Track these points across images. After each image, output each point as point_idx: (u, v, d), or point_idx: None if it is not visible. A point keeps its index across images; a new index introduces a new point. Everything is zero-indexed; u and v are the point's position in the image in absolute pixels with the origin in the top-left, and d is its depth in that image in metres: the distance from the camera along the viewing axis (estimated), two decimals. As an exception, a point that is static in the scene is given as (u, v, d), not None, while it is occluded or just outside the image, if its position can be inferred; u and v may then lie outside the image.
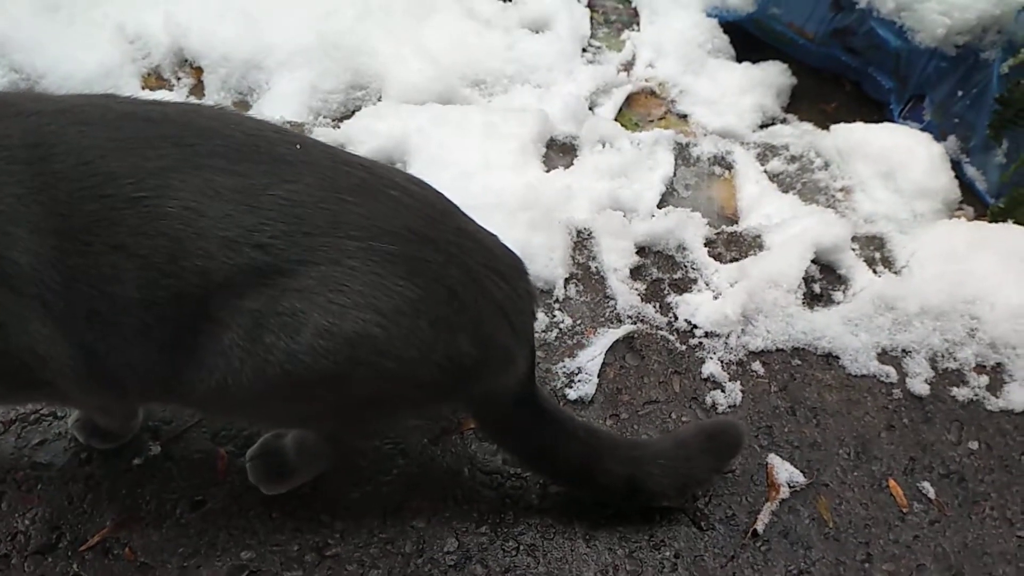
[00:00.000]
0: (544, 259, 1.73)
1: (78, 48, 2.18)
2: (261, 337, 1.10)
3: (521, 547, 1.43)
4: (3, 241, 1.04)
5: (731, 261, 1.83)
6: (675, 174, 2.05)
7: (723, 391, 1.63)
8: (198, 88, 2.22)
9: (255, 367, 1.12)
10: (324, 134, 2.04)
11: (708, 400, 1.62)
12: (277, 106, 2.17)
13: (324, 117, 2.17)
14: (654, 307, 1.75)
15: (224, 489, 1.44)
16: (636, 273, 1.79)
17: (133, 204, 1.06)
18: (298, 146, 1.15)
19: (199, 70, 2.25)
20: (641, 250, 1.82)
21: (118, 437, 1.45)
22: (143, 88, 2.19)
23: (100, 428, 1.43)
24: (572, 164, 2.05)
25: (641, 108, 2.37)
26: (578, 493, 1.47)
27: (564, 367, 1.63)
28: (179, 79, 2.25)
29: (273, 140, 1.15)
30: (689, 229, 1.83)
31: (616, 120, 2.26)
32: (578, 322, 1.71)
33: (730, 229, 1.91)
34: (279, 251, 1.09)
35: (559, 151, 2.08)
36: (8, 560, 1.35)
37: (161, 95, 2.14)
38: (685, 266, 1.82)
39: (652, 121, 2.35)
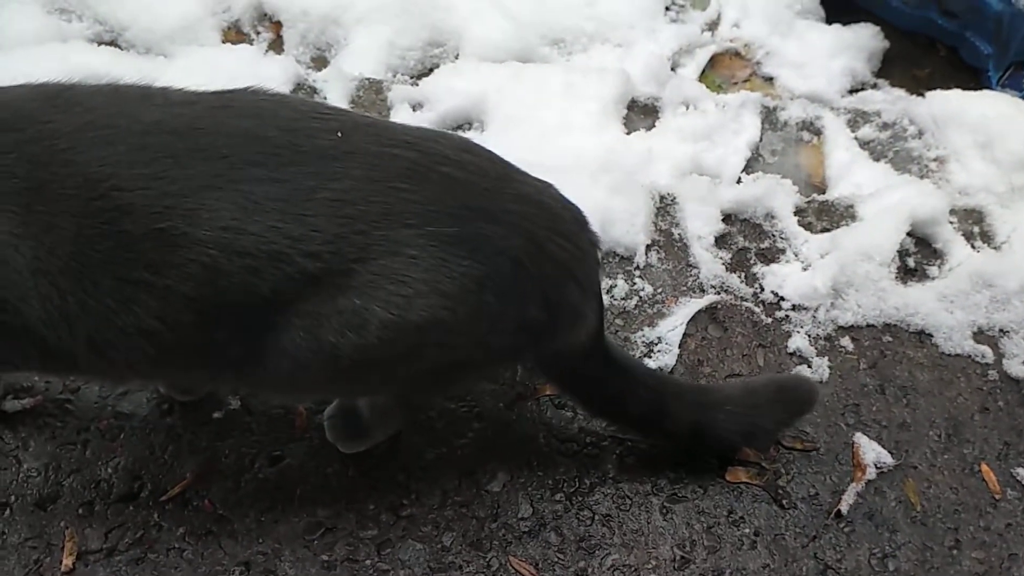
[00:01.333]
0: (625, 224, 1.68)
1: (160, 1, 2.17)
2: (324, 336, 1.09)
3: (596, 517, 1.41)
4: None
5: (822, 231, 1.76)
6: (761, 139, 1.97)
7: (809, 366, 1.58)
8: (277, 43, 2.21)
9: (322, 363, 1.11)
10: (402, 92, 2.01)
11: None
12: (355, 62, 2.14)
13: (402, 74, 2.13)
14: (739, 277, 1.69)
15: (302, 446, 1.44)
16: (721, 241, 1.74)
17: (156, 236, 1.02)
18: (340, 134, 1.10)
19: (278, 24, 2.23)
20: (727, 217, 1.76)
21: (197, 391, 1.46)
22: (223, 41, 2.18)
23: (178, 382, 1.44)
24: (654, 126, 1.99)
25: (725, 70, 2.29)
26: (643, 440, 1.45)
27: (643, 336, 1.60)
28: (258, 33, 2.23)
29: (313, 131, 1.10)
30: (778, 197, 1.76)
31: (699, 81, 2.18)
32: (659, 290, 1.66)
33: (821, 198, 1.84)
34: (332, 255, 1.06)
35: (640, 112, 2.03)
36: (92, 507, 1.38)
37: (241, 49, 2.12)
38: (773, 235, 1.75)
39: (736, 83, 2.26)
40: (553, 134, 1.88)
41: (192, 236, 1.02)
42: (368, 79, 2.07)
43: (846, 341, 1.62)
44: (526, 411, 1.51)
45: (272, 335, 1.08)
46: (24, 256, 1.00)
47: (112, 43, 2.11)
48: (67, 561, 1.32)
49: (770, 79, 2.24)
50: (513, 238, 1.14)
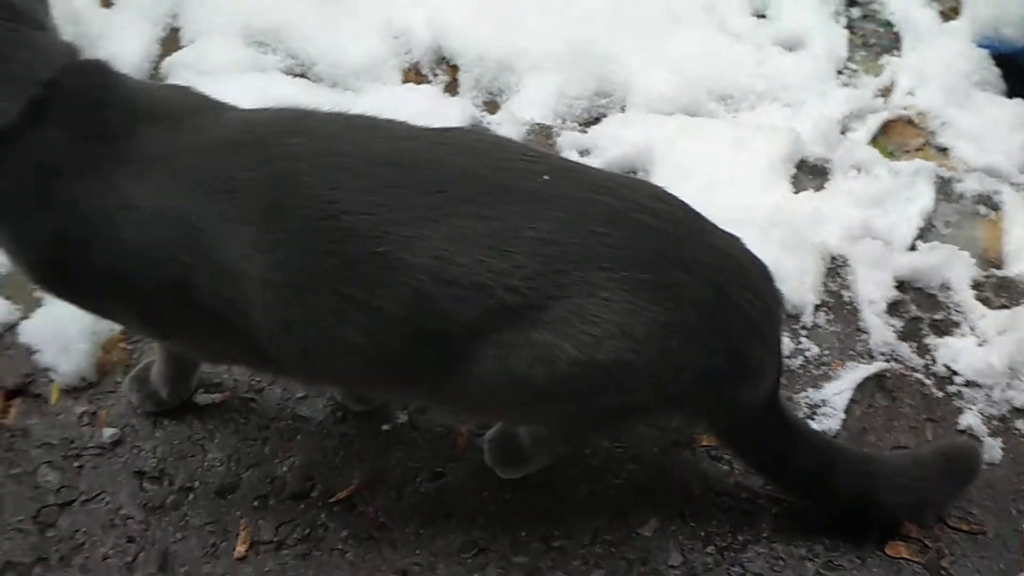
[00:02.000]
0: (794, 282, 1.69)
1: (348, 39, 2.31)
2: (515, 366, 1.13)
3: (748, 574, 1.40)
4: (218, 285, 1.11)
5: (1000, 307, 1.72)
6: (935, 209, 1.93)
7: (981, 446, 1.53)
8: (452, 85, 2.31)
9: (509, 392, 1.16)
10: (571, 139, 2.07)
11: (963, 453, 1.53)
12: (525, 108, 2.22)
13: (569, 121, 2.20)
14: (911, 347, 1.67)
15: (463, 465, 1.50)
16: (893, 308, 1.72)
17: (373, 259, 1.09)
18: (546, 177, 1.15)
19: (455, 68, 2.33)
20: (900, 284, 1.74)
21: (371, 402, 1.54)
22: (403, 81, 2.30)
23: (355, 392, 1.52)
24: (823, 187, 1.99)
25: (897, 137, 2.26)
26: (809, 503, 1.44)
27: (807, 397, 1.59)
28: (436, 76, 2.33)
29: (522, 173, 1.15)
30: (955, 268, 1.73)
31: (871, 147, 2.17)
32: (826, 352, 1.65)
33: (1000, 273, 1.80)
34: (532, 290, 1.11)
35: (809, 173, 2.03)
36: (266, 501, 1.46)
37: (422, 89, 2.24)
38: (948, 307, 1.72)
39: (908, 152, 2.23)
40: (721, 188, 1.90)
41: (406, 262, 1.09)
42: (538, 124, 2.14)
43: (1021, 423, 1.57)
44: (682, 459, 1.52)
45: (466, 361, 1.14)
46: (257, 266, 1.10)
47: (303, 75, 2.26)
48: (240, 548, 1.41)
49: (944, 150, 2.20)
50: (702, 288, 1.17)
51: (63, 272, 1.18)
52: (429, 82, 2.31)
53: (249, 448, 1.51)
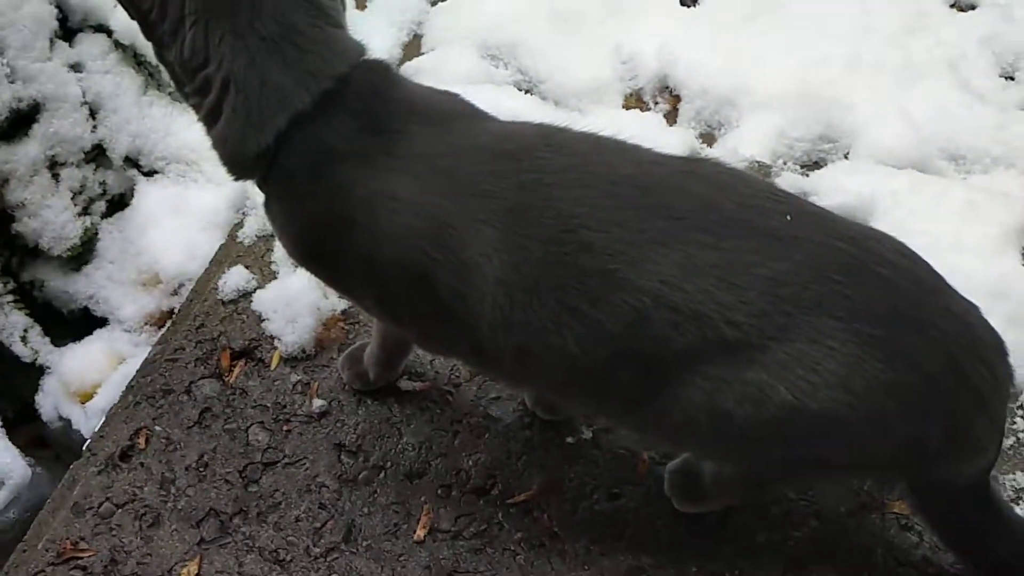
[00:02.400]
0: (1016, 359, 1.56)
1: (576, 60, 2.38)
2: (722, 402, 1.13)
3: (924, 651, 1.34)
4: (457, 280, 1.17)
5: None
6: None
7: None
8: (672, 114, 2.33)
9: (711, 426, 1.16)
10: (791, 180, 2.05)
11: None
12: (742, 144, 2.21)
13: (789, 163, 2.17)
14: None
15: (640, 490, 1.51)
16: (1122, 400, 1.59)
17: (602, 275, 1.12)
18: (789, 217, 1.15)
19: (677, 98, 2.35)
20: None
21: (559, 412, 1.58)
22: (623, 107, 2.34)
23: (547, 401, 1.57)
24: (1057, 264, 1.87)
25: None
26: None
27: (1015, 480, 1.50)
28: (656, 104, 2.37)
29: (766, 211, 1.15)
30: None
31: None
32: (1041, 436, 1.56)
33: None
34: (753, 328, 1.10)
35: (1043, 247, 1.91)
36: (449, 491, 1.54)
37: (645, 116, 2.27)
38: None
39: None
40: (943, 251, 1.80)
41: (633, 282, 1.12)
42: (757, 162, 2.13)
43: None
44: (868, 523, 1.47)
45: (672, 387, 1.16)
46: (494, 266, 1.16)
47: (530, 91, 2.34)
48: (420, 532, 1.49)
49: None
50: (935, 354, 1.13)
51: (322, 249, 1.28)
52: (650, 109, 2.35)
53: (441, 438, 1.59)
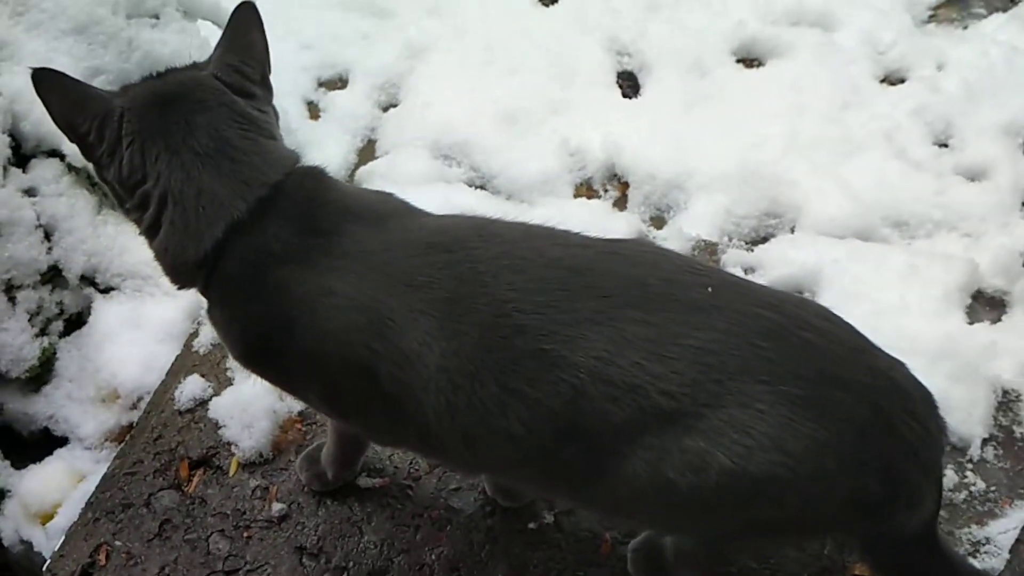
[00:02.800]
0: (962, 414, 1.62)
1: (526, 156, 2.45)
2: (664, 471, 1.15)
3: None
4: (398, 370, 1.20)
5: None
6: None
7: None
8: (621, 200, 2.39)
9: (656, 497, 1.17)
10: (736, 256, 2.10)
11: None
12: (691, 224, 2.27)
13: (736, 240, 2.23)
14: (1088, 491, 1.56)
15: (604, 571, 1.51)
16: (1071, 448, 1.62)
17: (538, 356, 1.16)
18: (710, 289, 1.19)
19: (625, 185, 2.42)
20: (1080, 425, 1.64)
21: (520, 499, 1.58)
22: (575, 196, 2.41)
23: (506, 488, 1.57)
24: (1000, 320, 1.92)
25: (1088, 274, 2.14)
26: None
27: (970, 534, 1.51)
28: (606, 191, 2.43)
29: (687, 284, 1.19)
30: None
31: (1056, 282, 2.06)
32: (992, 488, 1.57)
33: None
34: (686, 396, 1.13)
35: (986, 304, 1.96)
36: (413, 587, 1.52)
37: (592, 204, 2.33)
38: None
39: (1100, 289, 2.11)
40: (889, 314, 1.87)
41: (569, 360, 1.15)
42: (704, 240, 2.18)
43: None
44: (831, 587, 1.47)
45: (615, 461, 1.17)
46: (434, 353, 1.19)
47: (483, 187, 2.41)
48: (385, 631, 1.47)
49: None
50: (862, 408, 1.15)
51: (265, 349, 1.31)
52: (600, 197, 2.41)
53: (402, 534, 1.58)
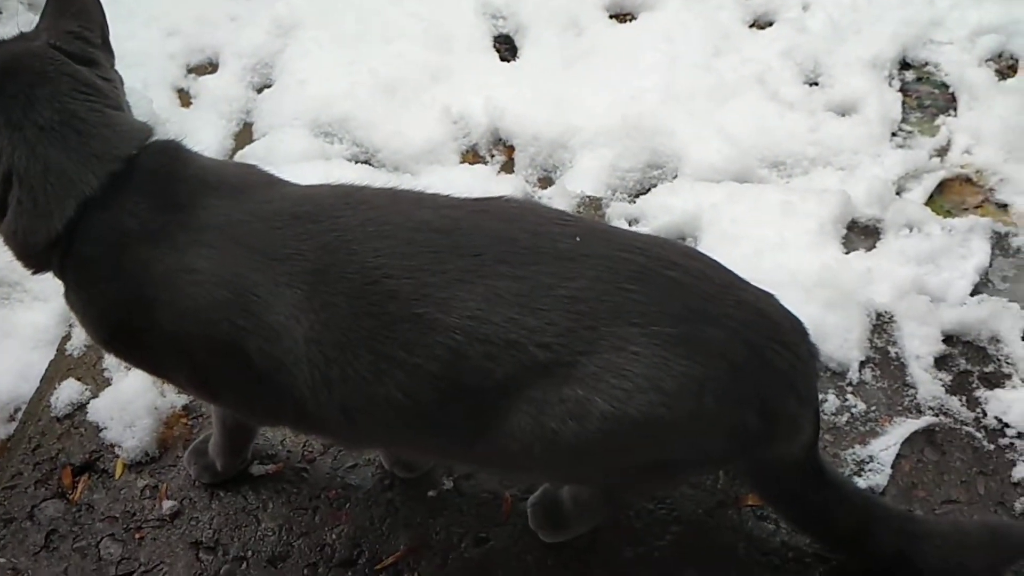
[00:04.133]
0: (839, 340, 1.67)
1: (409, 126, 2.42)
2: (547, 422, 1.16)
3: (796, 635, 1.36)
4: (269, 346, 1.18)
5: (1053, 358, 1.66)
6: (991, 264, 1.90)
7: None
8: (508, 164, 2.38)
9: (543, 448, 1.18)
10: (620, 209, 2.12)
11: (1018, 506, 1.48)
12: (578, 182, 2.28)
13: (621, 193, 2.24)
14: (960, 400, 1.63)
15: (506, 530, 1.51)
16: (941, 363, 1.69)
17: (412, 320, 1.15)
18: (578, 239, 1.20)
19: (511, 148, 2.41)
20: (948, 339, 1.71)
21: (417, 469, 1.57)
22: (461, 163, 2.39)
23: (403, 459, 1.56)
24: (874, 247, 1.98)
25: (955, 195, 2.23)
26: (847, 560, 1.40)
27: (854, 454, 1.56)
28: (493, 156, 2.41)
29: (555, 236, 1.20)
30: (1005, 320, 1.69)
31: (926, 207, 2.14)
32: (872, 408, 1.62)
33: (1056, 323, 1.74)
34: (562, 347, 1.14)
35: (860, 233, 2.02)
36: (315, 568, 1.50)
37: (477, 169, 2.32)
38: (999, 359, 1.68)
39: (967, 209, 2.19)
40: (769, 251, 1.91)
41: (443, 322, 1.14)
42: (589, 196, 2.19)
43: (1081, 476, 1.50)
44: (726, 519, 1.50)
45: (499, 418, 1.17)
46: (303, 326, 1.16)
47: (367, 162, 2.37)
48: (290, 616, 1.45)
49: (1004, 206, 2.16)
50: (733, 342, 1.17)
51: (127, 330, 1.26)
52: (486, 162, 2.39)
53: (300, 517, 1.56)
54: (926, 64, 2.51)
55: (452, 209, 1.25)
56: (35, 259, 1.26)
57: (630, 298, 1.16)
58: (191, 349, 1.23)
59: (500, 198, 1.31)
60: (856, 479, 1.52)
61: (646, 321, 1.15)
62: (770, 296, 1.27)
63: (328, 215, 1.22)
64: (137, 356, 1.34)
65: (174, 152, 1.28)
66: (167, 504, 1.58)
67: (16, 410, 1.82)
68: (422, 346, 1.15)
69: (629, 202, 2.17)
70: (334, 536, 1.53)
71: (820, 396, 1.62)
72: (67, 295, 1.29)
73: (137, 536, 1.56)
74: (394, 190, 1.31)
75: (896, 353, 1.70)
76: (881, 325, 1.75)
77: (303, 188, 1.31)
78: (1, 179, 1.19)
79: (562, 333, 1.14)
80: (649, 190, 2.24)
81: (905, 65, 2.51)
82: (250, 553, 1.52)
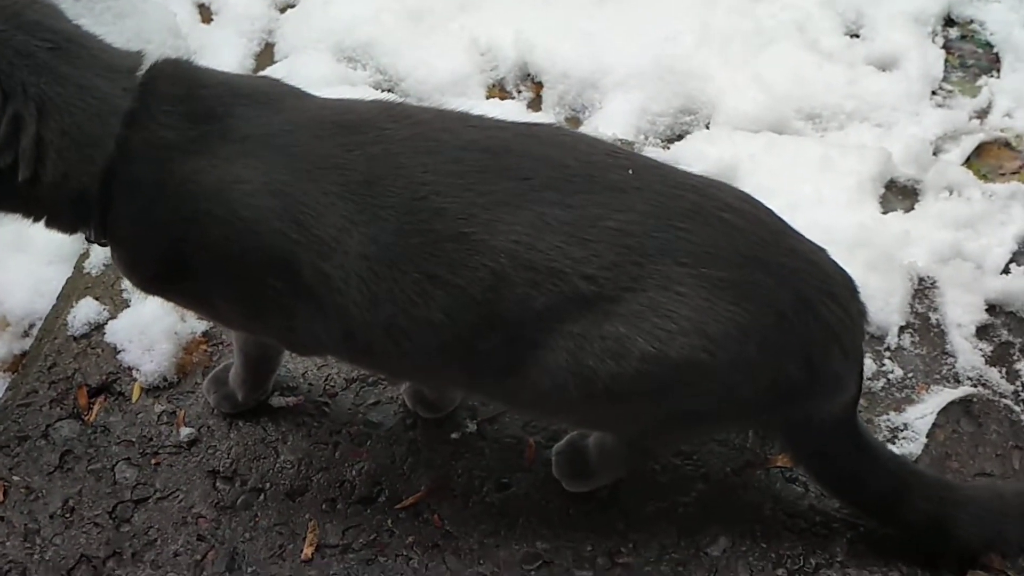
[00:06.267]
0: (879, 302, 1.64)
1: (435, 56, 2.35)
2: (584, 359, 1.12)
3: (820, 598, 1.35)
4: (320, 259, 1.12)
5: (1100, 334, 1.63)
6: (1031, 232, 1.85)
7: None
8: (536, 102, 2.32)
9: (578, 386, 1.14)
10: (653, 155, 2.06)
11: (1053, 482, 1.46)
12: (607, 124, 2.22)
13: (652, 137, 2.19)
14: (1000, 372, 1.60)
15: (529, 477, 1.49)
16: (983, 332, 1.65)
17: (458, 239, 1.11)
18: (630, 171, 1.16)
19: (539, 85, 2.35)
20: (991, 308, 1.68)
21: (442, 408, 1.54)
22: (487, 98, 2.32)
23: (427, 398, 1.53)
24: (912, 208, 1.93)
25: (992, 159, 2.17)
26: (882, 527, 1.38)
27: (888, 420, 1.53)
28: (520, 92, 2.35)
29: (606, 166, 1.16)
30: (1051, 292, 1.65)
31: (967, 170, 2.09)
32: (909, 375, 1.60)
33: (1098, 299, 1.70)
34: (607, 280, 1.10)
35: (899, 193, 1.97)
36: (334, 504, 1.48)
37: (503, 106, 2.26)
38: (1042, 332, 1.65)
39: (1004, 174, 2.14)
40: (805, 206, 1.86)
41: (488, 244, 1.10)
42: (620, 139, 2.13)
43: (1119, 454, 1.48)
44: (754, 479, 1.48)
45: (536, 351, 1.14)
46: (353, 240, 1.12)
47: (390, 90, 2.30)
48: (307, 551, 1.43)
49: (1044, 172, 2.12)
50: (782, 291, 1.14)
51: (179, 259, 1.18)
52: (513, 98, 2.33)
53: (320, 452, 1.53)
54: (971, 22, 2.44)
55: (500, 130, 1.20)
56: (77, 207, 1.16)
57: (680, 236, 1.12)
58: (245, 269, 1.17)
59: (550, 125, 1.26)
60: (890, 446, 1.49)
61: (695, 262, 1.11)
62: (823, 250, 1.24)
63: (373, 127, 1.17)
64: (188, 287, 1.25)
65: (188, 67, 1.21)
66: (184, 431, 1.55)
67: (31, 326, 1.78)
68: (466, 267, 1.11)
69: (662, 147, 2.11)
70: (354, 473, 1.51)
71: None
72: (113, 235, 1.20)
73: (153, 461, 1.53)
74: (438, 108, 1.26)
75: (937, 320, 1.67)
76: (923, 290, 1.71)
77: (342, 100, 1.25)
78: (35, 112, 1.08)
79: (607, 266, 1.10)
80: (681, 136, 2.18)
81: (950, 21, 2.44)
82: (268, 485, 1.50)
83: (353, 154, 1.14)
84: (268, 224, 1.13)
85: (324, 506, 1.47)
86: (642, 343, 1.10)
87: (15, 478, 1.52)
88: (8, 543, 1.45)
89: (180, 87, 1.16)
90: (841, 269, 1.22)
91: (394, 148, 1.14)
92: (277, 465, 1.52)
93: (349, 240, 1.12)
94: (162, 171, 1.13)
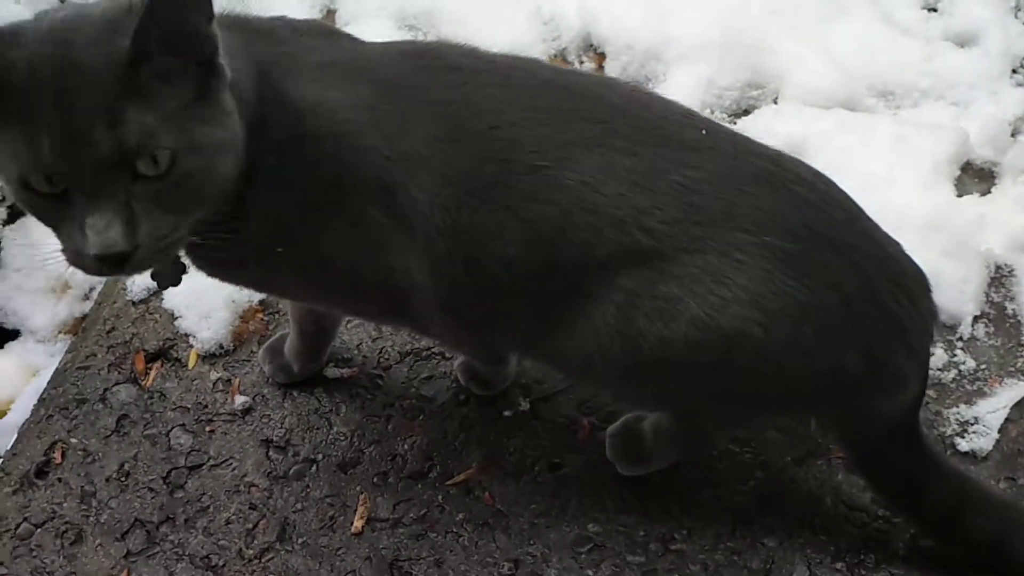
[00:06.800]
0: (954, 291, 1.57)
1: (497, 23, 2.31)
2: (634, 319, 1.09)
3: (879, 595, 1.31)
4: (410, 180, 1.09)
5: None
6: (1114, 226, 1.76)
7: None
8: (598, 72, 2.27)
9: (625, 347, 1.11)
10: (719, 129, 2.00)
11: None
12: (672, 96, 2.15)
13: (717, 112, 2.13)
14: (1078, 366, 1.52)
15: (582, 457, 1.46)
16: (1062, 325, 1.58)
17: (531, 172, 1.08)
18: (704, 132, 1.12)
19: (602, 56, 2.30)
20: (1072, 301, 1.60)
21: (494, 386, 1.52)
22: (548, 67, 2.28)
23: (480, 374, 1.51)
24: (989, 192, 1.85)
25: (1076, 142, 2.07)
26: (937, 543, 1.32)
27: (958, 414, 1.47)
28: (582, 63, 2.30)
29: (681, 124, 1.13)
30: None
31: (1048, 152, 1.99)
32: (982, 367, 1.53)
33: None
34: (666, 236, 1.07)
35: (975, 176, 1.89)
36: (385, 478, 1.47)
37: (566, 75, 2.21)
38: (1125, 328, 1.56)
39: (1088, 158, 2.05)
40: (877, 187, 1.79)
41: (558, 180, 1.08)
42: (685, 113, 2.08)
43: None
44: (815, 470, 1.43)
45: (588, 304, 1.11)
46: (439, 161, 1.09)
47: (451, 59, 2.27)
48: (358, 523, 1.42)
49: None
50: (850, 275, 1.09)
51: (281, 182, 1.07)
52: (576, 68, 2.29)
53: (373, 424, 1.52)
54: (1057, -4, 2.32)
55: (576, 75, 1.21)
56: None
57: (748, 202, 1.08)
58: (337, 193, 1.09)
59: (627, 82, 1.22)
60: (958, 440, 1.44)
61: (760, 230, 1.07)
62: (898, 243, 1.18)
63: (442, 56, 1.15)
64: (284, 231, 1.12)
65: (230, 13, 1.12)
66: (239, 399, 1.56)
67: (91, 289, 1.81)
68: (536, 202, 1.09)
69: (729, 122, 2.05)
70: (406, 447, 1.50)
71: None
72: (254, 200, 1.07)
73: (208, 429, 1.54)
74: (514, 57, 1.23)
75: (1013, 310, 1.60)
76: (999, 278, 1.64)
77: (400, 41, 1.24)
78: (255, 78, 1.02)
79: (667, 221, 1.07)
80: (748, 110, 2.12)
81: (1034, -4, 2.32)
82: (320, 456, 1.50)
83: (426, 78, 1.11)
84: (362, 140, 1.08)
85: (375, 479, 1.47)
86: (694, 307, 1.07)
87: (73, 440, 1.54)
88: (65, 504, 1.48)
89: (236, 25, 1.09)
90: (916, 265, 1.17)
91: (466, 76, 1.12)
92: (330, 436, 1.52)
93: (435, 161, 1.09)
94: (280, 90, 1.06)
